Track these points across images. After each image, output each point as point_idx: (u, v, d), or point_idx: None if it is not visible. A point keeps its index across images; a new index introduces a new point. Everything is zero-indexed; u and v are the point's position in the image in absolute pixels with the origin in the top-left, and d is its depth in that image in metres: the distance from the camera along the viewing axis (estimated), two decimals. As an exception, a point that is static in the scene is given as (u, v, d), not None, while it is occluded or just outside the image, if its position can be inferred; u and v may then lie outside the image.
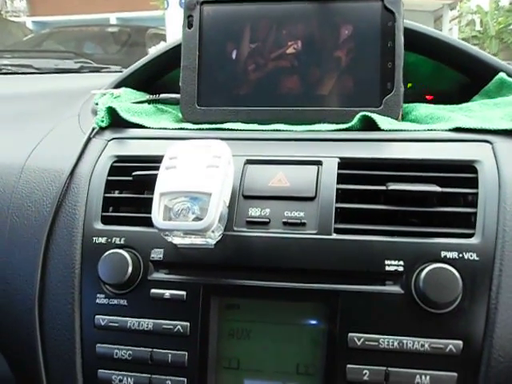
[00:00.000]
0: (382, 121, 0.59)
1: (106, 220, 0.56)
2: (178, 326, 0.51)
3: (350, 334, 0.48)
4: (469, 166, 0.52)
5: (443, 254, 0.48)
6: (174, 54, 0.72)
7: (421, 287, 0.46)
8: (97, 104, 0.70)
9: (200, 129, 0.64)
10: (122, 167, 0.58)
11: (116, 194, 0.59)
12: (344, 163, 0.54)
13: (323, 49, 0.66)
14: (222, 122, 0.65)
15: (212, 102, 0.68)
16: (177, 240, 0.50)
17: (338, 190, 0.52)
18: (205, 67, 0.68)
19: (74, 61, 1.48)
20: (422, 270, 0.47)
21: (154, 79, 0.79)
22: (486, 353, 0.46)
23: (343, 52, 0.65)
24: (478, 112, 0.64)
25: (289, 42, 0.67)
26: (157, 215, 0.47)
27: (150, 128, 0.64)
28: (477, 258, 0.47)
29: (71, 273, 0.54)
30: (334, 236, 0.50)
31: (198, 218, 0.47)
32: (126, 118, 0.65)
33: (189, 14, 0.69)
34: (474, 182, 0.51)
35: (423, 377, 0.46)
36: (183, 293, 0.51)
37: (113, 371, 0.52)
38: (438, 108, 0.67)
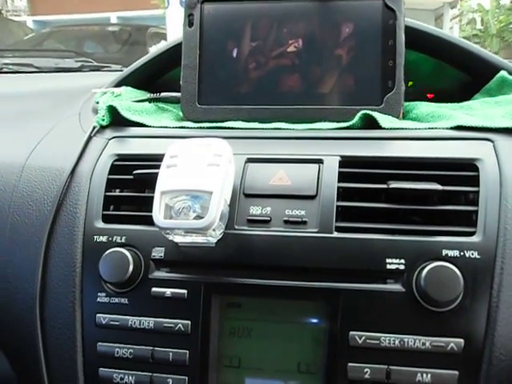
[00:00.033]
0: (382, 119, 0.59)
1: (106, 218, 0.56)
2: (179, 325, 0.51)
3: (351, 333, 0.48)
4: (470, 164, 0.52)
5: (444, 252, 0.48)
6: (174, 52, 0.72)
7: (422, 285, 0.46)
8: (97, 103, 0.70)
9: (201, 127, 0.64)
10: (122, 166, 0.58)
11: (117, 193, 0.59)
12: (345, 161, 0.54)
13: (324, 47, 0.66)
14: (222, 121, 0.65)
15: (213, 100, 0.68)
16: (178, 238, 0.50)
17: (339, 188, 0.52)
18: (205, 66, 0.68)
19: (75, 60, 1.49)
20: (424, 268, 0.47)
21: (155, 78, 0.79)
22: (487, 351, 0.46)
23: (344, 50, 0.65)
24: (479, 110, 0.64)
25: (290, 41, 0.66)
26: (158, 214, 0.47)
27: (150, 126, 0.64)
28: (478, 257, 0.47)
29: (72, 271, 0.54)
30: (335, 234, 0.50)
31: (198, 217, 0.46)
32: (127, 117, 0.65)
33: (189, 13, 0.69)
34: (475, 180, 0.51)
35: (424, 375, 0.46)
36: (184, 291, 0.51)
37: (114, 370, 0.52)
38: (439, 106, 0.66)
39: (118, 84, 0.75)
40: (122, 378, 0.52)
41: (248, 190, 0.53)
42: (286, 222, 0.51)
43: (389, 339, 0.47)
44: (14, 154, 0.64)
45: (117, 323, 0.52)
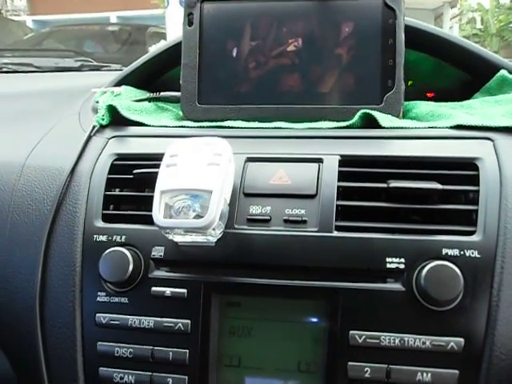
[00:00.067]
0: (382, 118, 0.59)
1: (106, 218, 0.56)
2: (179, 324, 0.51)
3: (351, 332, 0.48)
4: (470, 164, 0.52)
5: (444, 251, 0.47)
6: (174, 52, 0.72)
7: (422, 285, 0.46)
8: (97, 102, 0.70)
9: (200, 127, 0.64)
10: (122, 165, 0.58)
11: (117, 192, 0.59)
12: (345, 161, 0.54)
13: (324, 46, 0.66)
14: (222, 120, 0.65)
15: (212, 99, 0.68)
16: (177, 238, 0.50)
17: (338, 187, 0.52)
18: (205, 65, 0.68)
19: (75, 59, 1.49)
20: (424, 267, 0.47)
21: (155, 77, 0.79)
22: (487, 350, 0.46)
23: (344, 49, 0.65)
24: (479, 109, 0.64)
25: (289, 40, 0.66)
26: (157, 213, 0.47)
27: (150, 126, 0.64)
28: (478, 256, 0.47)
29: (72, 271, 0.54)
30: (335, 234, 0.50)
31: (198, 216, 0.46)
32: (127, 116, 0.65)
33: (189, 12, 0.68)
34: (475, 180, 0.51)
35: (424, 374, 0.46)
36: (184, 291, 0.51)
37: (114, 369, 0.52)
38: (439, 105, 0.66)
39: (118, 83, 0.75)
40: (121, 378, 0.52)
41: (248, 189, 0.53)
42: (285, 221, 0.51)
43: (389, 338, 0.47)
44: (13, 153, 0.64)
45: (117, 323, 0.52)
